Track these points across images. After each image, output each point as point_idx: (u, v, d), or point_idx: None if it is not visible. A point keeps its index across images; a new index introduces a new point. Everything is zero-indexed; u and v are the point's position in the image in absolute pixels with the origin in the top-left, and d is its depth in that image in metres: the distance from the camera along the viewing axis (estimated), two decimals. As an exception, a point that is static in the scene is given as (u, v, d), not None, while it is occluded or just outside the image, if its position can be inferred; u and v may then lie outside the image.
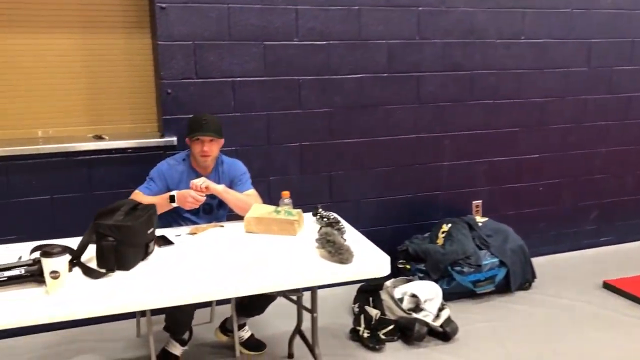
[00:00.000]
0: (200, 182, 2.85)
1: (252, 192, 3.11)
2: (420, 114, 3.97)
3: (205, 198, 2.81)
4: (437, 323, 3.22)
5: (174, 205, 2.82)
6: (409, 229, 4.09)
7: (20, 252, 2.43)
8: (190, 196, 2.76)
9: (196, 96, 3.47)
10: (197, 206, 2.80)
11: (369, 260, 2.40)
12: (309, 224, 2.83)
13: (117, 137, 3.49)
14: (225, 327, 3.19)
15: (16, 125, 3.41)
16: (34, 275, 2.12)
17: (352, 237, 2.63)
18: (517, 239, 3.88)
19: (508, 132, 4.23)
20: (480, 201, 4.26)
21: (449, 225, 3.88)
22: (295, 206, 2.91)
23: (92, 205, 3.37)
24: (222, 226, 2.79)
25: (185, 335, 2.96)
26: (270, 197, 3.68)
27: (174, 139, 3.43)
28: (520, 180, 4.35)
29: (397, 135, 3.95)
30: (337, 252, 2.33)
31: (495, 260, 3.73)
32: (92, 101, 3.52)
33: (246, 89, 3.56)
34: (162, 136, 3.47)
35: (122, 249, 2.26)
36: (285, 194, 2.87)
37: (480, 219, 3.99)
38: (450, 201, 4.18)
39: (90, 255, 2.36)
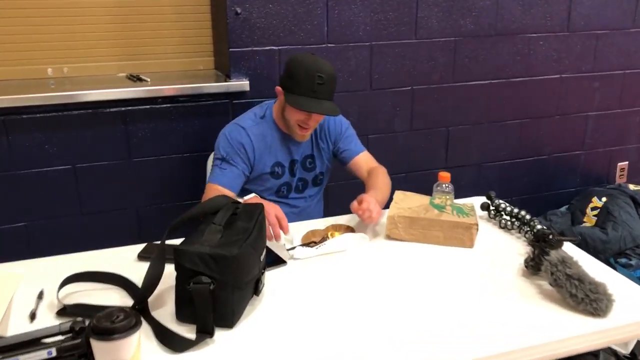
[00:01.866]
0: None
1: (366, 155, 2.13)
2: (567, 46, 2.90)
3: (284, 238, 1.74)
4: (625, 350, 2.30)
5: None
6: (540, 202, 3.11)
7: (35, 280, 1.46)
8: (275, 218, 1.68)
9: (276, 19, 2.38)
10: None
11: (632, 307, 1.43)
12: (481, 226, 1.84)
13: (161, 79, 2.43)
14: None
15: (16, 60, 2.34)
16: (74, 356, 1.15)
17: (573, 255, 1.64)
18: (694, 219, 2.91)
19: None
20: (627, 163, 3.27)
21: (604, 198, 2.90)
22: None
23: (132, 179, 2.38)
24: (352, 228, 1.79)
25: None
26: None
27: (245, 82, 2.38)
28: (676, 134, 3.33)
29: (536, 75, 2.89)
30: (588, 297, 1.35)
31: (670, 248, 2.78)
32: (122, 25, 2.43)
33: (344, 8, 2.47)
34: (227, 78, 2.41)
35: (223, 295, 1.28)
36: (445, 175, 1.85)
37: (634, 188, 3.01)
38: (590, 163, 3.18)
39: (158, 291, 1.39)
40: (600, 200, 2.91)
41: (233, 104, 2.41)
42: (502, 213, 1.83)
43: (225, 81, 2.38)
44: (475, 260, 1.65)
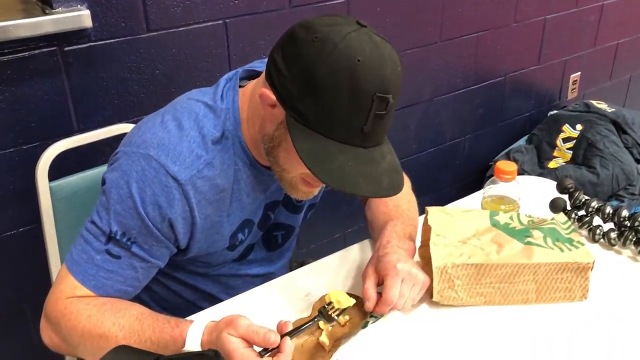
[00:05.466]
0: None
1: None
2: None
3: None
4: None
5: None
6: (495, 136, 2.47)
7: None
8: None
9: None
10: None
11: None
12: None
13: None
14: None
15: None
16: None
17: None
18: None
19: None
20: (579, 73, 2.70)
21: (578, 126, 2.31)
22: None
23: None
24: (358, 299, 0.94)
25: None
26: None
27: (83, 11, 1.31)
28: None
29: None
30: None
31: (658, 179, 2.30)
32: None
33: None
34: (46, 6, 1.31)
35: None
36: (507, 169, 1.03)
37: (602, 106, 2.46)
38: (545, 80, 2.57)
39: None
40: (574, 128, 2.32)
41: (65, 53, 1.34)
42: (593, 216, 1.09)
43: (45, 13, 1.29)
44: (600, 323, 0.91)
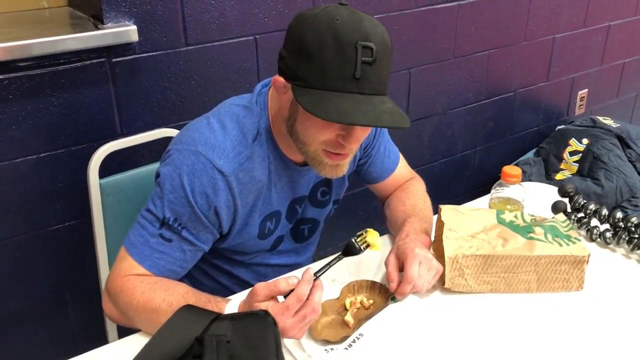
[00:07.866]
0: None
1: (402, 165, 1.31)
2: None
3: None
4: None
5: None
6: (505, 148, 2.58)
7: None
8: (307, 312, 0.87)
9: None
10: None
11: None
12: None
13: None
14: None
15: None
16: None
17: None
18: (676, 153, 2.55)
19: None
20: (587, 90, 2.82)
21: (585, 140, 2.42)
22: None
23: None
24: (381, 286, 1.06)
25: None
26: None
27: (131, 27, 1.45)
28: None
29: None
30: None
31: (660, 192, 2.40)
32: None
33: None
34: (98, 22, 1.46)
35: None
36: (513, 173, 1.15)
37: (607, 122, 2.57)
38: (554, 95, 2.68)
39: None
40: (580, 142, 2.43)
41: (112, 64, 1.49)
42: (591, 218, 1.21)
43: (97, 28, 1.43)
44: (594, 311, 1.02)
